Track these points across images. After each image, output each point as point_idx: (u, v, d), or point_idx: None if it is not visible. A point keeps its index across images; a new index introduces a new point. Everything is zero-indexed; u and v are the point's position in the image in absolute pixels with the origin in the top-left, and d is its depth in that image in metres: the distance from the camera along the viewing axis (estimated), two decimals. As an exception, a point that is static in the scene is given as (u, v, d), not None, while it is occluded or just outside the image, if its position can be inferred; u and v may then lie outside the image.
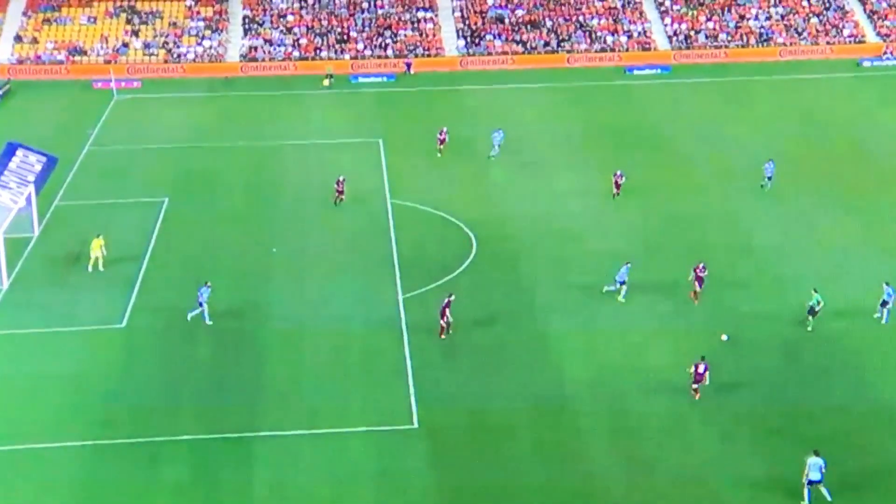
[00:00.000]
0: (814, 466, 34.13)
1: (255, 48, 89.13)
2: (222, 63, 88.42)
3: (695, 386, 39.92)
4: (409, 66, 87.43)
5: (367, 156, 67.19)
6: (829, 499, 34.40)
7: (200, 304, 45.57)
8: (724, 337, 43.15)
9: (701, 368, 39.85)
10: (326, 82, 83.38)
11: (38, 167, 56.85)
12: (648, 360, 43.08)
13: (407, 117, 75.91)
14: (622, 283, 47.06)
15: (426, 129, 72.84)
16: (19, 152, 56.73)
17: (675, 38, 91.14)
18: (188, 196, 60.80)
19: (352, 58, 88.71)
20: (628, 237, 54.57)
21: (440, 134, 66.44)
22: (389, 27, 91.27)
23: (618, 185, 58.85)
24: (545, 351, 43.71)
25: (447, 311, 44.34)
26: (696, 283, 47.35)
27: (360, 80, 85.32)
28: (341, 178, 58.45)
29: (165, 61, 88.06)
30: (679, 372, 41.64)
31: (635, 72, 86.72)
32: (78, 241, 52.92)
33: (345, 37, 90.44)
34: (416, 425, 38.95)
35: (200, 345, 44.48)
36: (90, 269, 50.82)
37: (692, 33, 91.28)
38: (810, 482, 34.06)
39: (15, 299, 48.47)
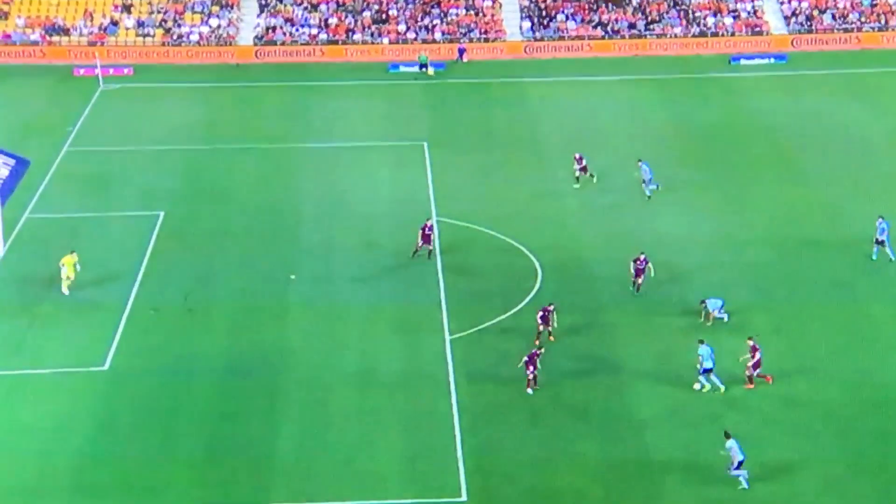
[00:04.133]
0: (734, 450, 38.86)
1: (273, 29, 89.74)
2: (233, 46, 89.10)
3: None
4: (461, 52, 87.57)
5: (408, 162, 67.24)
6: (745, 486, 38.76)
7: None
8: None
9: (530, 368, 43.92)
10: (431, 71, 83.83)
11: (5, 171, 57.43)
12: (748, 423, 42.56)
13: (458, 115, 75.91)
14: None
15: (481, 129, 72.86)
16: (-17, 153, 57.41)
17: (793, 20, 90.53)
18: (188, 209, 61.10)
19: (391, 42, 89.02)
20: (738, 268, 54.11)
21: (578, 163, 63.21)
22: (438, 4, 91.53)
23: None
24: (623, 406, 43.36)
25: (551, 317, 46.80)
26: None
27: (402, 69, 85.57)
28: (430, 223, 55.52)
29: (163, 44, 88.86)
30: (782, 442, 41.15)
31: (743, 61, 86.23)
32: (52, 263, 53.17)
33: (383, 16, 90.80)
34: (464, 497, 38.73)
35: (200, 394, 44.54)
36: (66, 291, 51.25)
37: (815, 13, 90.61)
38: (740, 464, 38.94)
39: (-26, 334, 48.86)
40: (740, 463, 38.92)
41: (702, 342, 44.62)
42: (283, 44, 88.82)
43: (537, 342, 46.31)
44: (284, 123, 74.43)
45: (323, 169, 66.68)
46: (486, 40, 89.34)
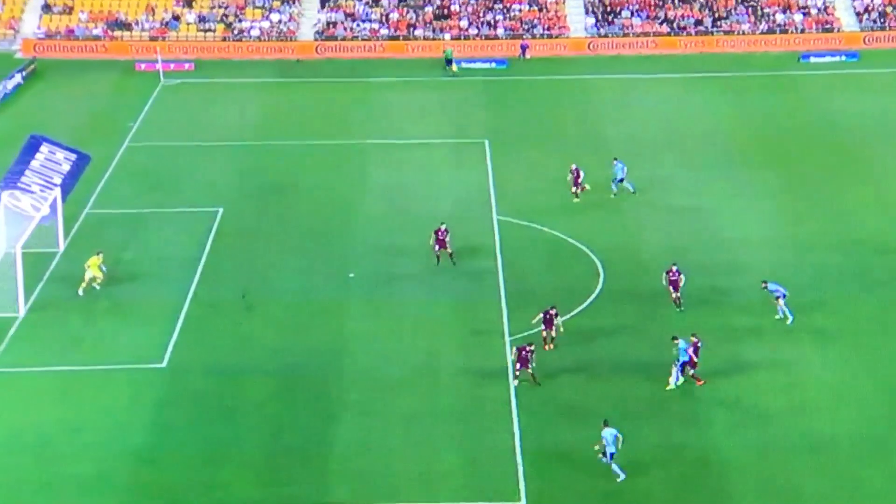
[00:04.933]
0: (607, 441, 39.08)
1: (335, 24, 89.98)
2: (293, 42, 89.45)
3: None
4: (524, 48, 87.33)
5: (469, 160, 67.18)
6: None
7: None
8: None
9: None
10: (455, 67, 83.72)
11: (67, 166, 57.97)
12: (824, 429, 42.18)
13: (520, 113, 75.76)
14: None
15: (543, 127, 72.69)
16: (44, 148, 57.96)
17: (865, 16, 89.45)
18: (248, 206, 61.43)
19: (453, 38, 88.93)
20: (805, 269, 53.62)
21: (574, 174, 61.03)
22: (501, 0, 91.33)
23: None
24: (691, 410, 42.99)
25: (555, 321, 46.40)
26: None
27: (464, 65, 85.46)
28: (443, 228, 54.38)
29: (224, 38, 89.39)
30: (849, 444, 40.74)
31: (813, 59, 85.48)
32: (111, 259, 53.67)
33: (445, 11, 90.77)
34: (524, 501, 38.41)
35: (259, 393, 44.66)
36: (81, 292, 51.55)
37: (889, 9, 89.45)
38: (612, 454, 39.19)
39: (32, 330, 49.22)
40: (612, 455, 39.09)
41: (676, 339, 44.45)
42: (343, 39, 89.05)
43: (546, 347, 46.21)
44: (344, 120, 74.64)
45: (383, 166, 66.77)
46: (550, 36, 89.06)
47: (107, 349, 47.70)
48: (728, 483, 39.20)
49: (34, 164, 56.78)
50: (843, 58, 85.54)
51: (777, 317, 48.72)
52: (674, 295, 49.91)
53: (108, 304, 51.23)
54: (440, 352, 47.22)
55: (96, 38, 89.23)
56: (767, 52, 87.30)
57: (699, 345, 44.39)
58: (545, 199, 61.53)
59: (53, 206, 55.31)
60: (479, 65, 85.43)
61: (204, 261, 55.10)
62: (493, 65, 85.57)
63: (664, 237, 57.16)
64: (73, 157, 58.82)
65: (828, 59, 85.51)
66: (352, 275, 53.53)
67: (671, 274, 49.92)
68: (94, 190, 62.98)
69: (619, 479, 38.78)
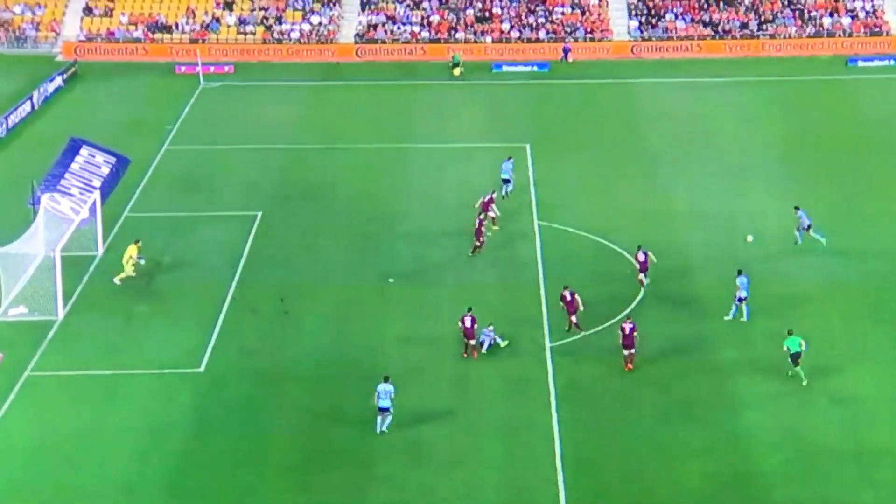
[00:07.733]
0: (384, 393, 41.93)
1: (375, 26, 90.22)
2: (334, 44, 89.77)
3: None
4: (566, 52, 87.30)
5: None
6: None
7: None
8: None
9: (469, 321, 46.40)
10: (458, 71, 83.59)
11: (106, 170, 58.43)
12: (870, 439, 41.87)
13: (562, 117, 75.72)
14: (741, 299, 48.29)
15: (586, 132, 72.63)
16: (84, 151, 58.48)
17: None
18: (287, 210, 61.65)
19: (494, 41, 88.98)
20: (850, 281, 53.31)
21: (485, 201, 57.92)
22: (543, 2, 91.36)
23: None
24: (732, 432, 42.61)
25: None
26: None
27: (505, 69, 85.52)
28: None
29: (264, 41, 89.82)
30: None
31: (860, 63, 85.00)
32: (149, 263, 54.08)
33: (486, 14, 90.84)
34: (563, 508, 38.59)
35: (296, 398, 44.76)
36: (118, 281, 52.57)
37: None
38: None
39: (70, 333, 49.58)
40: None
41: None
42: (384, 42, 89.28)
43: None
44: (385, 123, 74.79)
45: (424, 170, 66.88)
46: (592, 40, 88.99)
47: (144, 354, 47.96)
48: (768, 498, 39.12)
49: (74, 166, 57.31)
50: (892, 62, 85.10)
51: (727, 318, 49.27)
52: (643, 277, 51.95)
53: (146, 307, 51.56)
54: (480, 359, 47.10)
55: (136, 40, 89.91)
56: (814, 56, 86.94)
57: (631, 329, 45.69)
58: (588, 204, 61.43)
59: (93, 210, 55.71)
60: (520, 68, 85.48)
61: (242, 265, 55.35)
62: (535, 68, 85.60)
63: (706, 239, 57.21)
64: (113, 160, 59.31)
65: (876, 63, 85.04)
66: (391, 280, 53.61)
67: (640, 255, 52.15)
68: (133, 193, 63.37)
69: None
